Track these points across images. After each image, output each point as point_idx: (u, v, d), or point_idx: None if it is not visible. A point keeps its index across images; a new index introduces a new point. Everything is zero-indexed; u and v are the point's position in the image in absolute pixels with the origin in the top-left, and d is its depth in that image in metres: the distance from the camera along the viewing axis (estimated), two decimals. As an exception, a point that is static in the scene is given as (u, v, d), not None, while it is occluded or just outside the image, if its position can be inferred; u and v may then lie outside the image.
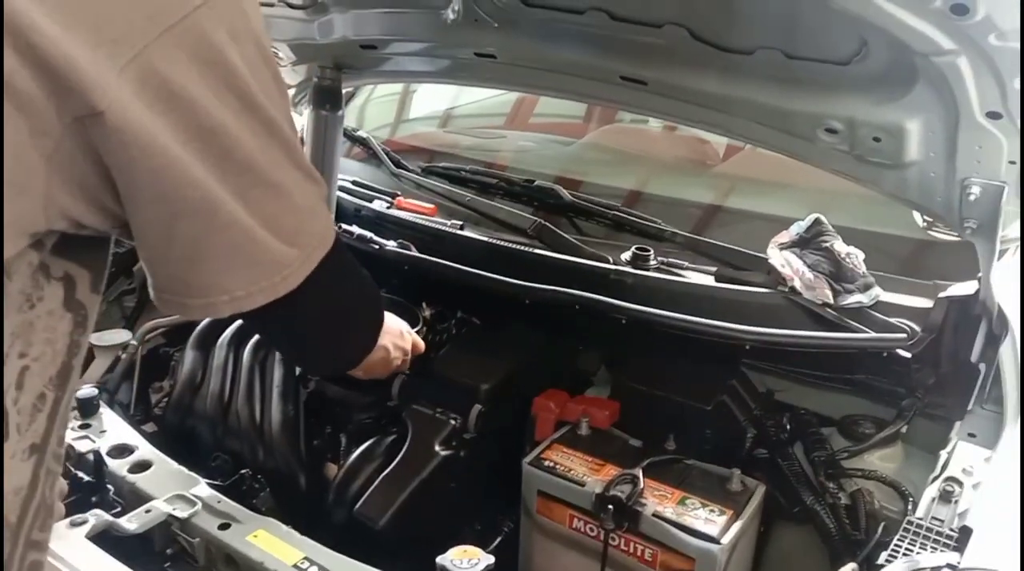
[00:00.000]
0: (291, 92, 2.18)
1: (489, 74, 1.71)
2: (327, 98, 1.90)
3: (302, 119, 1.94)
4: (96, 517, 1.24)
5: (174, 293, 0.79)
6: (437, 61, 1.79)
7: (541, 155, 2.42)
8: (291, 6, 1.81)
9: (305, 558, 1.21)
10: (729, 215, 1.94)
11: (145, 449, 1.48)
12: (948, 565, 1.04)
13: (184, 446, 1.62)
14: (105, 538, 1.24)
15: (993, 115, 1.14)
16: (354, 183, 2.09)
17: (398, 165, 2.14)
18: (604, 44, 1.46)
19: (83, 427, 1.54)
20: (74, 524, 1.22)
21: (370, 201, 2.01)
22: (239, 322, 1.83)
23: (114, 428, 1.55)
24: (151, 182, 0.70)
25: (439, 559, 1.16)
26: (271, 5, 1.84)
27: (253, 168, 0.76)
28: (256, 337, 1.77)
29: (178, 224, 0.74)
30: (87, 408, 1.58)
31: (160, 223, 0.74)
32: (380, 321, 1.19)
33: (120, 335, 1.86)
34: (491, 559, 1.16)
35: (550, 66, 1.57)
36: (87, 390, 1.60)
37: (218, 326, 1.83)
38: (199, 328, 1.83)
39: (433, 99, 2.92)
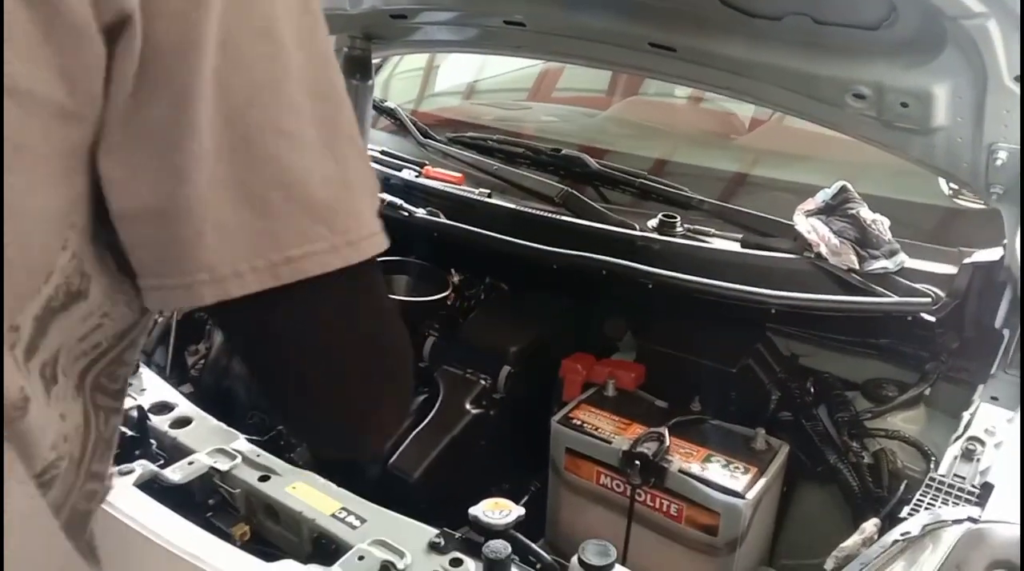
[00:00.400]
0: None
1: (518, 42, 1.73)
2: (357, 68, 1.93)
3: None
4: (142, 467, 1.29)
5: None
6: (466, 30, 1.81)
7: (565, 127, 2.44)
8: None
9: (342, 508, 1.26)
10: (754, 184, 1.96)
11: (185, 406, 1.52)
12: (969, 518, 1.07)
13: (220, 406, 1.66)
14: (150, 487, 1.29)
15: (1021, 79, 1.15)
16: (382, 153, 2.12)
17: (426, 135, 2.16)
18: (633, 11, 1.48)
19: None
20: (122, 473, 1.27)
21: (399, 170, 2.04)
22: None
23: (153, 387, 1.60)
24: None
25: (471, 510, 1.20)
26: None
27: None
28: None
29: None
30: (126, 369, 1.63)
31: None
32: (408, 396, 0.77)
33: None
34: (522, 511, 1.19)
35: (579, 34, 1.59)
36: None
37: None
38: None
39: (457, 72, 2.95)
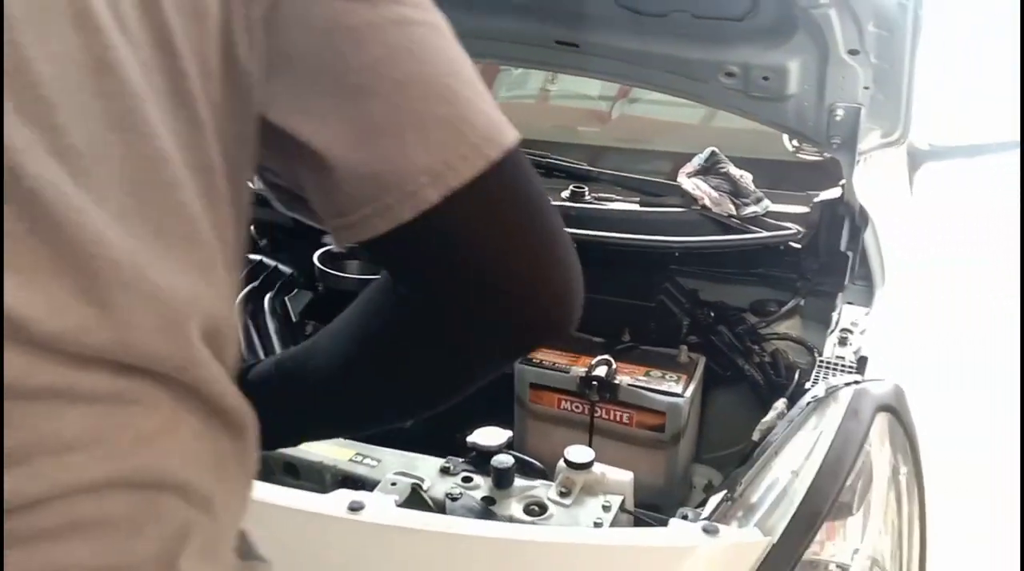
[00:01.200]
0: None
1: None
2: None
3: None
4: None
5: (363, 203, 0.56)
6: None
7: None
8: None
9: (357, 453, 1.45)
10: (623, 155, 2.29)
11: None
12: (856, 381, 1.43)
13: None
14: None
15: (853, 52, 1.53)
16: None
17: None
18: (539, 13, 1.75)
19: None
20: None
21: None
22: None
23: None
24: None
25: (469, 438, 1.43)
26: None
27: None
28: (242, 293, 1.96)
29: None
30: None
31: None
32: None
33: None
34: (509, 432, 1.44)
35: (491, 35, 1.85)
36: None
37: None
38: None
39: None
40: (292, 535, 1.24)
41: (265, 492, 1.29)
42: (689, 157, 1.99)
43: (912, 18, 1.41)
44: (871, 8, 1.41)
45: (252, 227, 2.34)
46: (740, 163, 1.98)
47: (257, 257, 2.15)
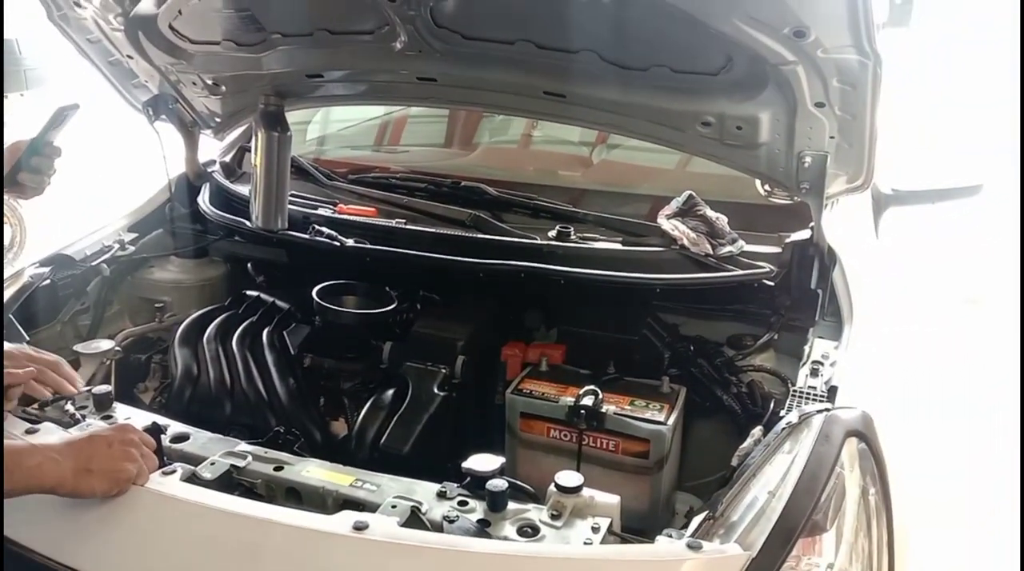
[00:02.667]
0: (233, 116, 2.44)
1: (428, 94, 2.08)
2: (275, 122, 2.18)
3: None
4: (181, 467, 1.48)
5: None
6: (379, 85, 2.14)
7: (442, 165, 2.77)
8: (238, 44, 2.10)
9: (357, 479, 1.52)
10: (604, 197, 2.39)
11: (176, 426, 1.70)
12: (826, 409, 1.53)
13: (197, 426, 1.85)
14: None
15: (819, 105, 1.65)
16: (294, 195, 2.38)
17: (329, 178, 2.45)
18: (530, 67, 1.87)
19: (105, 418, 1.74)
20: (165, 473, 1.46)
21: (315, 209, 2.30)
22: (219, 319, 2.09)
23: (135, 415, 1.76)
24: None
25: (464, 464, 1.50)
26: (215, 43, 2.12)
27: None
28: (241, 328, 2.03)
29: None
30: (103, 403, 1.76)
31: None
32: None
33: (105, 343, 2.04)
34: (503, 459, 1.52)
35: (484, 86, 1.97)
36: (102, 388, 1.80)
37: (197, 325, 2.07)
38: (182, 328, 2.06)
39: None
40: (301, 553, 1.31)
41: (273, 512, 1.37)
42: (666, 200, 2.11)
43: (872, 75, 1.53)
44: (834, 65, 1.53)
45: (250, 265, 2.43)
46: (714, 206, 2.10)
47: (254, 293, 2.24)
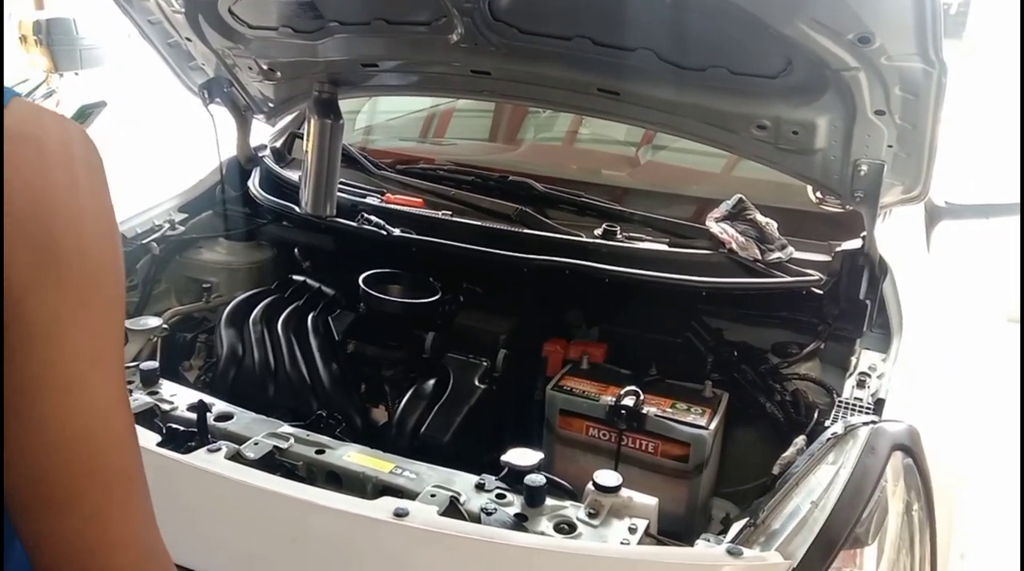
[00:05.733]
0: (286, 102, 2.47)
1: (481, 87, 2.08)
2: (328, 109, 2.20)
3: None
4: (226, 445, 1.50)
5: None
6: (432, 77, 2.15)
7: (488, 159, 2.77)
8: (295, 31, 2.12)
9: (396, 466, 1.53)
10: (648, 197, 2.37)
11: (221, 404, 1.73)
12: (872, 421, 1.51)
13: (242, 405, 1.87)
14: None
15: (879, 112, 1.63)
16: (344, 184, 2.39)
17: (379, 167, 2.46)
18: (585, 63, 1.86)
19: (151, 394, 1.77)
20: (211, 451, 1.49)
21: (363, 197, 2.32)
22: (265, 301, 2.11)
23: (181, 392, 1.79)
24: None
25: (503, 457, 1.51)
26: (273, 29, 2.14)
27: None
28: (286, 312, 2.05)
29: None
30: (150, 378, 1.80)
31: None
32: None
33: (152, 320, 2.08)
34: (540, 454, 1.52)
35: (538, 81, 1.97)
36: (149, 364, 1.83)
37: (244, 307, 2.10)
38: (228, 309, 2.09)
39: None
40: (341, 536, 1.32)
41: (315, 495, 1.38)
42: (711, 203, 2.10)
43: (936, 84, 1.50)
44: (898, 73, 1.51)
45: (297, 250, 2.45)
46: (759, 211, 2.07)
47: (300, 278, 2.26)
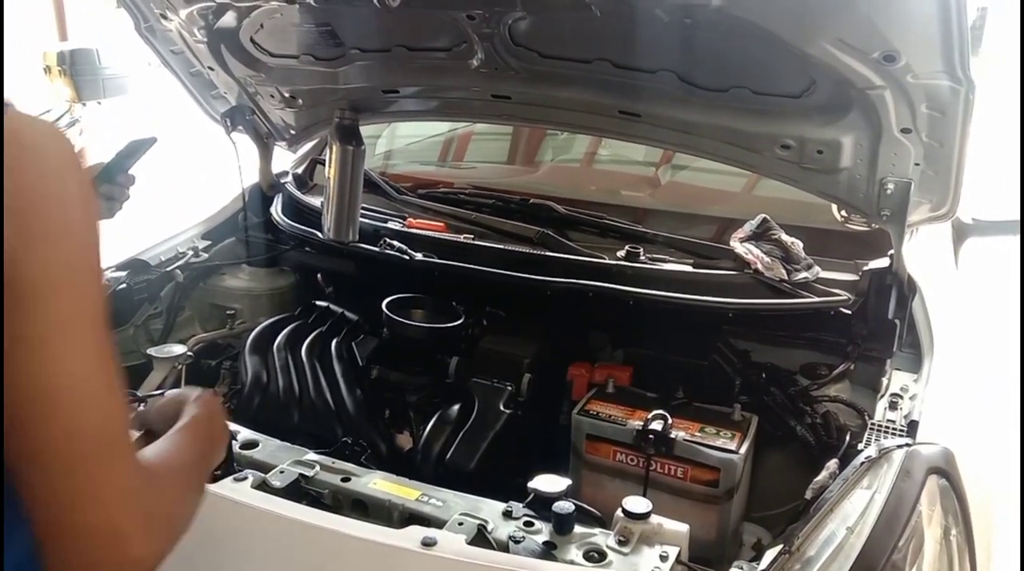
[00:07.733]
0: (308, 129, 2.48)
1: (502, 111, 2.08)
2: (349, 135, 2.21)
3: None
4: (252, 474, 1.50)
5: None
6: (452, 102, 2.15)
7: (507, 182, 2.77)
8: (316, 59, 2.14)
9: (423, 494, 1.52)
10: (669, 218, 2.36)
11: (246, 432, 1.72)
12: (906, 444, 1.49)
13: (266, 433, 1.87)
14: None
15: (905, 131, 1.61)
16: (365, 209, 2.40)
17: (400, 192, 2.47)
18: (606, 86, 1.86)
19: (176, 422, 1.77)
20: (237, 479, 1.48)
21: (385, 222, 2.32)
22: (289, 328, 2.11)
23: (206, 420, 1.78)
24: None
25: (530, 484, 1.49)
26: (294, 57, 2.16)
27: None
28: (310, 338, 2.05)
29: None
30: (176, 407, 1.81)
31: None
32: None
33: (177, 348, 2.08)
34: (568, 480, 1.50)
35: (558, 104, 1.96)
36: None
37: (268, 333, 2.10)
38: (252, 336, 2.09)
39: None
40: (369, 566, 1.31)
41: (342, 524, 1.37)
42: (733, 222, 2.08)
43: (964, 101, 1.48)
44: (924, 91, 1.49)
45: (319, 276, 2.46)
46: (789, 231, 2.05)
47: (323, 304, 2.26)
